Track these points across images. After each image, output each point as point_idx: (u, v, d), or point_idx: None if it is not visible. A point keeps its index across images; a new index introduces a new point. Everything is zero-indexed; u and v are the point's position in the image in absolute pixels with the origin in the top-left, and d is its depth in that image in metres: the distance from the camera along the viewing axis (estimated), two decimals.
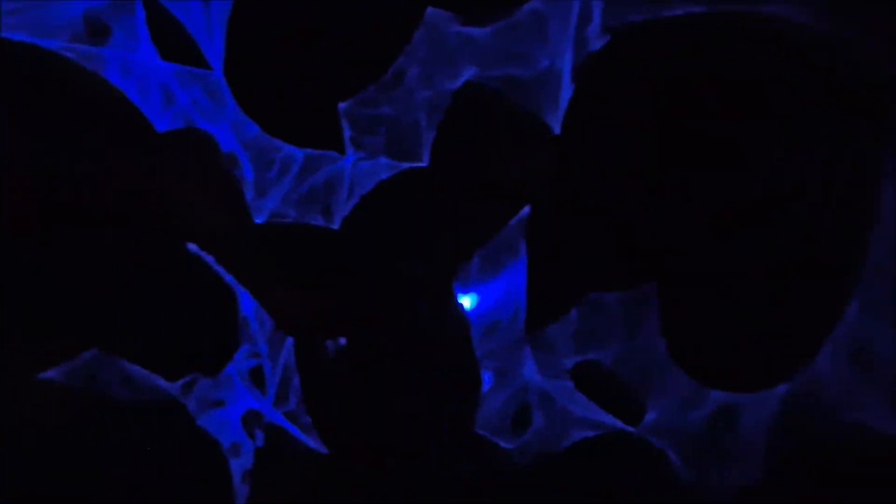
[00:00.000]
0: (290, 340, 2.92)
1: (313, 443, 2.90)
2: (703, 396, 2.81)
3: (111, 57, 2.76)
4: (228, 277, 2.79)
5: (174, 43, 2.85)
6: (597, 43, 2.79)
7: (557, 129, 2.82)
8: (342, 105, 2.88)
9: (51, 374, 2.60)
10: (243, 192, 2.87)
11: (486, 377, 2.91)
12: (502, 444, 2.89)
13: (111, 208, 2.72)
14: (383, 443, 2.93)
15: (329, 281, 2.92)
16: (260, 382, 2.92)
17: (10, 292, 2.57)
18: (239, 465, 2.85)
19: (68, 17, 2.75)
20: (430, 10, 2.87)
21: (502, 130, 2.92)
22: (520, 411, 2.93)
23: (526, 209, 2.87)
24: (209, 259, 2.77)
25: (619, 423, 2.82)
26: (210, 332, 2.80)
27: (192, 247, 2.76)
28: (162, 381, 2.72)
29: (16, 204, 2.58)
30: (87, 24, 2.76)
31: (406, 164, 2.92)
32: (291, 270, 2.91)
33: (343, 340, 2.93)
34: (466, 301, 2.93)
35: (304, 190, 2.95)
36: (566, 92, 2.82)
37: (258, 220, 2.87)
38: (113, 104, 2.76)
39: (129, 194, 2.74)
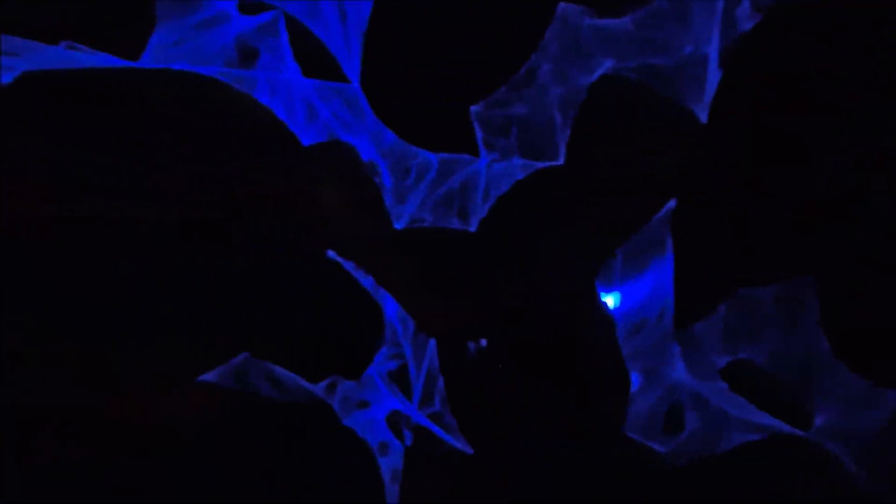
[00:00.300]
0: (433, 343, 2.03)
1: (459, 443, 1.99)
2: (879, 397, 1.77)
3: (260, 78, 2.05)
4: (366, 282, 1.99)
5: (316, 60, 2.10)
6: (747, 23, 1.84)
7: (704, 119, 1.87)
8: (474, 108, 2.03)
9: (208, 376, 1.89)
10: (384, 200, 2.05)
11: (634, 377, 1.96)
12: (654, 446, 1.91)
13: (264, 219, 1.98)
14: (529, 444, 1.99)
15: (468, 283, 2.04)
16: (404, 384, 2.04)
17: (169, 301, 1.89)
18: (388, 465, 2.00)
19: (221, 44, 2.06)
20: (562, 5, 1.97)
21: (644, 122, 1.96)
22: (671, 413, 1.94)
23: (672, 202, 1.92)
24: (348, 265, 1.98)
25: (785, 427, 1.82)
26: (351, 335, 2.00)
27: (332, 254, 1.98)
28: (306, 383, 1.94)
29: (179, 215, 1.91)
30: (239, 50, 2.08)
31: (541, 164, 2.02)
32: (432, 274, 2.05)
33: (484, 342, 2.02)
34: (610, 300, 1.99)
35: (441, 194, 2.09)
36: (713, 78, 1.87)
37: (398, 226, 2.05)
38: (263, 122, 2.02)
39: (278, 206, 2.00)
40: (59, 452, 1.86)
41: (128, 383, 1.88)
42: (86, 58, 1.92)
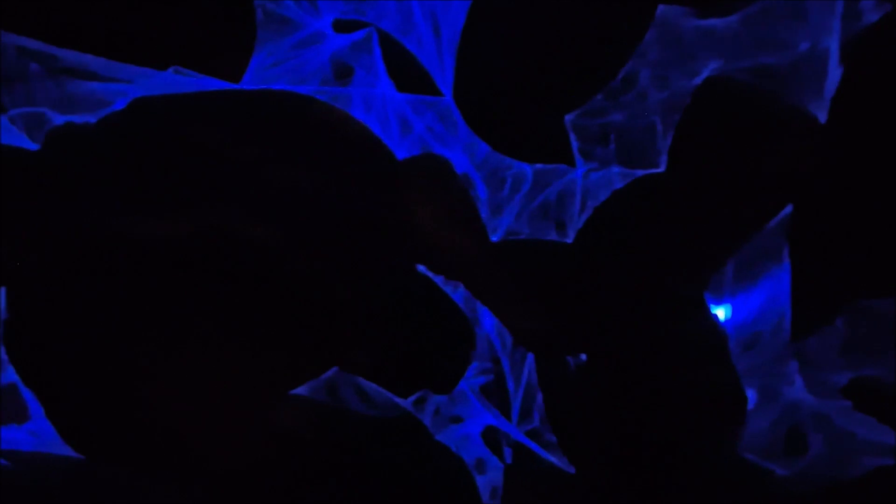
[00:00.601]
0: (531, 357, 1.64)
1: (559, 461, 1.60)
2: None
3: (355, 95, 1.73)
4: (457, 296, 1.62)
5: (409, 74, 1.77)
6: (873, 15, 1.40)
7: (823, 119, 1.43)
8: (569, 117, 1.65)
9: (300, 390, 1.55)
10: (479, 212, 1.65)
11: (750, 395, 1.51)
12: (774, 469, 1.47)
13: (360, 233, 1.66)
14: (634, 464, 1.56)
15: (566, 295, 1.62)
16: (498, 399, 1.67)
17: (262, 314, 1.57)
18: (486, 482, 1.61)
19: (318, 63, 1.77)
20: (661, 7, 1.56)
21: (755, 125, 1.52)
22: (792, 434, 1.49)
23: (788, 209, 1.48)
24: (437, 280, 1.60)
25: None
26: (442, 349, 1.62)
27: (422, 268, 1.60)
28: (395, 397, 1.57)
29: (279, 230, 1.60)
30: (334, 68, 1.79)
31: (641, 172, 1.62)
32: (529, 286, 1.64)
33: (584, 357, 1.60)
34: (722, 312, 1.54)
35: (537, 205, 1.71)
36: (833, 76, 1.43)
37: (494, 239, 1.66)
38: (359, 138, 1.69)
39: (374, 219, 1.66)
40: (152, 466, 1.53)
41: (220, 397, 1.54)
42: (191, 81, 1.61)
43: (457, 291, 1.57)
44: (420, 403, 1.58)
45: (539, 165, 1.64)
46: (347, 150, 1.65)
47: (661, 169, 1.51)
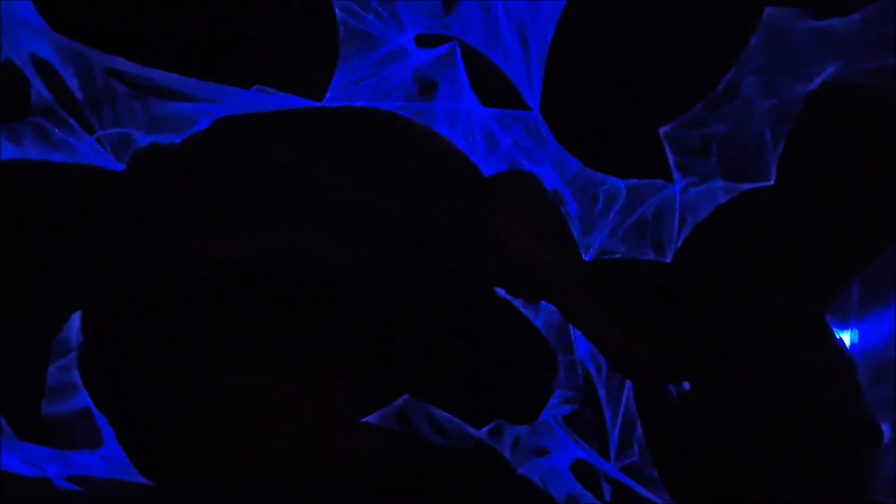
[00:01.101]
0: (629, 385, 1.51)
1: (661, 501, 1.45)
2: None
3: (439, 110, 1.64)
4: (537, 321, 1.50)
5: (494, 88, 1.67)
6: None
7: None
8: (663, 129, 1.52)
9: (371, 418, 1.44)
10: (571, 231, 1.55)
11: (884, 429, 1.31)
12: None
13: (446, 252, 1.56)
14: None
15: (666, 318, 1.49)
16: (599, 430, 1.54)
17: (335, 338, 1.48)
18: None
19: (401, 79, 1.69)
20: (768, 9, 1.43)
21: (877, 132, 1.37)
22: None
23: None
24: (517, 303, 1.49)
25: None
26: (522, 377, 1.50)
27: (500, 291, 1.50)
28: (469, 427, 1.44)
29: (361, 251, 1.53)
30: (417, 83, 1.69)
31: (747, 185, 1.47)
32: (625, 309, 1.51)
33: (687, 385, 1.46)
34: (847, 337, 1.36)
35: (632, 223, 1.59)
36: None
37: (587, 258, 1.54)
38: (444, 154, 1.61)
39: (460, 240, 1.57)
40: (223, 495, 1.47)
41: (292, 424, 1.49)
42: (274, 100, 1.59)
43: (537, 316, 1.48)
44: (496, 434, 1.47)
45: (633, 181, 1.55)
46: (432, 167, 1.59)
47: (771, 182, 1.40)
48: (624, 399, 1.44)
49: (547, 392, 1.48)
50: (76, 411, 1.46)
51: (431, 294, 1.48)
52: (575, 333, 1.45)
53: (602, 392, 1.41)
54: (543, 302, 1.46)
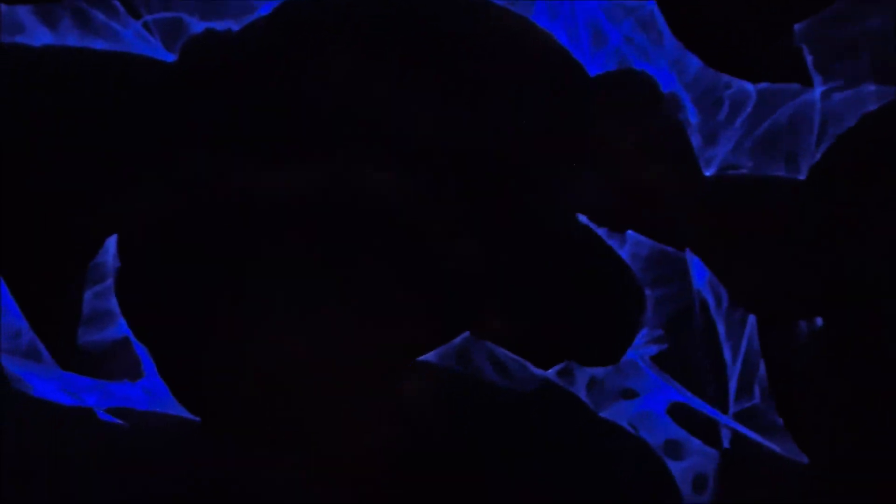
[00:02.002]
0: (752, 319, 1.29)
1: (784, 449, 1.25)
2: None
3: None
4: (624, 253, 1.30)
5: None
6: None
7: None
8: (798, 26, 1.30)
9: (428, 356, 1.28)
10: (689, 141, 1.32)
11: None
12: None
13: (535, 162, 1.34)
14: (885, 455, 1.22)
15: (798, 244, 1.28)
16: (718, 369, 1.30)
17: (390, 270, 1.32)
18: (684, 469, 1.27)
19: None
20: None
21: None
22: None
23: None
24: (601, 232, 1.30)
25: None
26: (606, 313, 1.31)
27: (582, 218, 1.30)
28: (535, 368, 1.27)
29: (420, 169, 1.35)
30: None
31: None
32: (751, 232, 1.30)
33: (820, 321, 1.26)
34: None
35: (762, 133, 1.34)
36: None
37: (708, 173, 1.32)
38: (542, 50, 1.38)
39: (554, 152, 1.34)
40: (269, 434, 1.34)
41: (342, 361, 1.36)
42: None
43: (623, 247, 1.33)
44: (566, 375, 1.32)
45: (764, 84, 1.33)
46: (529, 66, 1.39)
47: None
48: (746, 335, 1.28)
49: (632, 330, 1.33)
50: (114, 340, 1.36)
51: (502, 219, 1.33)
52: (692, 260, 1.25)
53: (721, 327, 1.26)
54: (630, 231, 1.30)
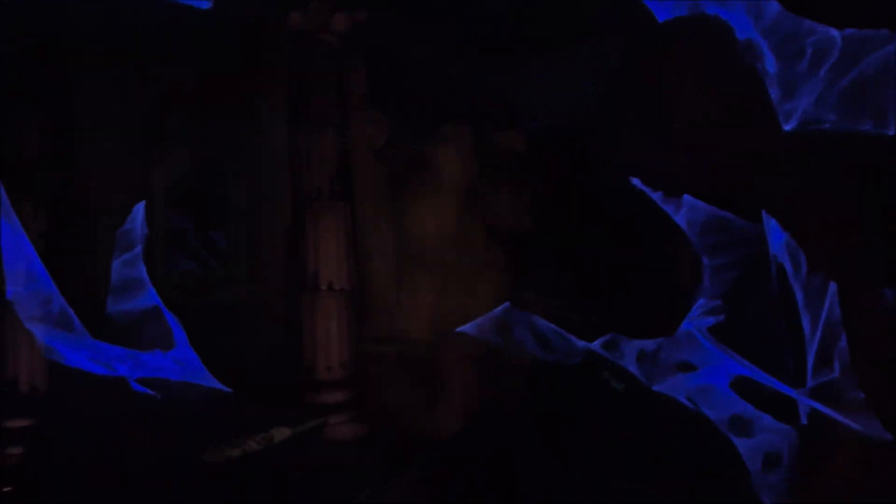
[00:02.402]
0: (833, 287, 1.16)
1: (866, 427, 1.14)
2: None
3: None
4: (679, 219, 1.22)
5: None
6: None
7: None
8: None
9: (466, 328, 1.29)
10: (767, 92, 1.20)
11: None
12: None
13: (584, 126, 1.29)
14: None
15: (885, 207, 1.15)
16: (796, 340, 1.19)
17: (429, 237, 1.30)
18: (752, 447, 1.19)
19: None
20: None
21: None
22: None
23: None
24: (655, 196, 1.23)
25: None
26: (659, 284, 1.23)
27: (636, 182, 1.23)
28: (577, 340, 1.25)
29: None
30: None
31: None
32: (834, 192, 1.18)
33: None
34: None
35: (846, 85, 1.20)
36: None
37: (787, 128, 1.19)
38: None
39: (613, 105, 1.28)
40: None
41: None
42: None
43: (678, 213, 1.26)
44: (611, 347, 1.28)
45: (850, 30, 1.21)
46: (588, 10, 1.35)
47: None
48: (826, 305, 1.17)
49: (689, 300, 1.26)
50: (144, 309, 1.36)
51: (547, 179, 1.30)
52: (768, 222, 1.08)
53: (800, 295, 1.13)
54: (686, 196, 1.24)
